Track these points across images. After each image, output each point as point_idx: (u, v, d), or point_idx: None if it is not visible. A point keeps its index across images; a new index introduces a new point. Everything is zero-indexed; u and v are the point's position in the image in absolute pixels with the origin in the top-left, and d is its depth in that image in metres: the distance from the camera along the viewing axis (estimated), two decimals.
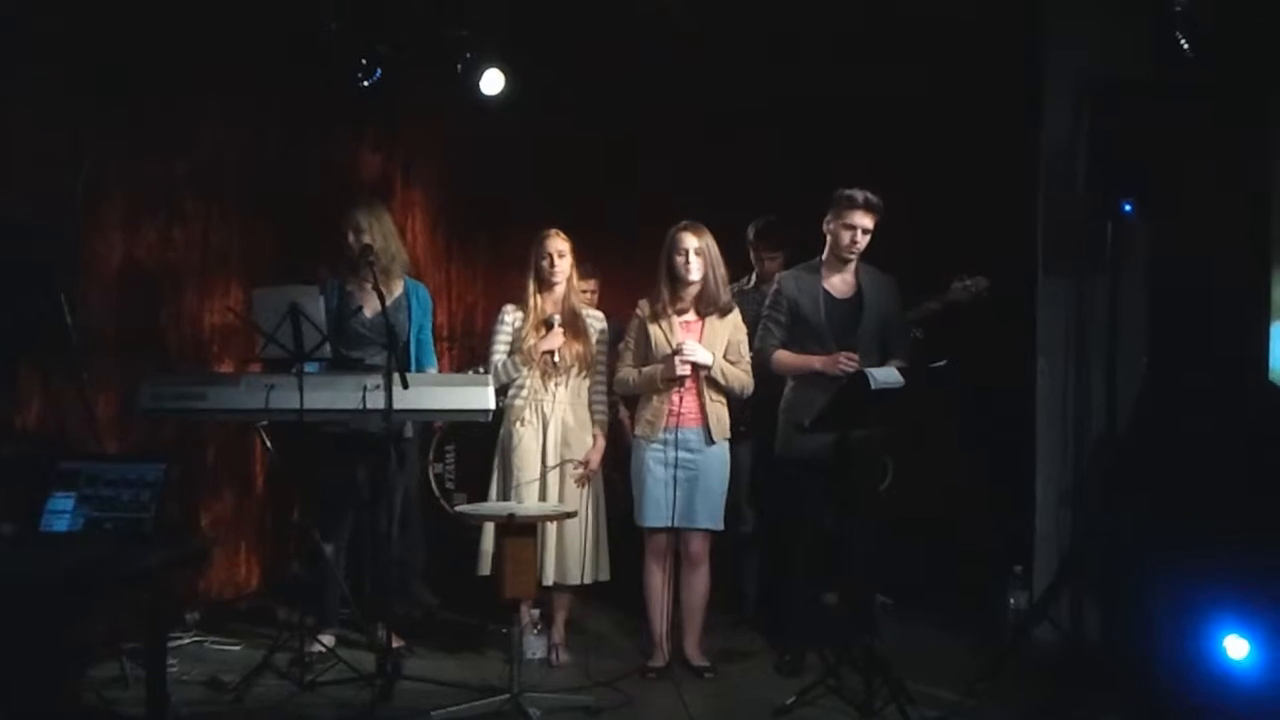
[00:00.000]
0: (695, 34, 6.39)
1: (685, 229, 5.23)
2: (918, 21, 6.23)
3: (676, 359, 5.17)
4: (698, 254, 5.20)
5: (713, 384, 5.27)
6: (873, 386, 4.59)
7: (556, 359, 5.37)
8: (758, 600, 6.16)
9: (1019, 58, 5.84)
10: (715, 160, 7.06)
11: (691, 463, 5.23)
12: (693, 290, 5.26)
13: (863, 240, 5.19)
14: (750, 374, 5.35)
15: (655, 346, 5.28)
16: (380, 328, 5.10)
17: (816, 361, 5.19)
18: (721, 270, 5.29)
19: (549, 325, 5.39)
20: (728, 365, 5.28)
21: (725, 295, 5.33)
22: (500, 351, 5.46)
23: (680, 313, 5.30)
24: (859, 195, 5.15)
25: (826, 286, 5.27)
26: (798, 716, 4.75)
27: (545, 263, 5.42)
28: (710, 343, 5.25)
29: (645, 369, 5.30)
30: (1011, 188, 5.90)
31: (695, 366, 5.20)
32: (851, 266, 5.29)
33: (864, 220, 5.16)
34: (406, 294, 5.48)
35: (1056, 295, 5.70)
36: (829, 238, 5.27)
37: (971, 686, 4.94)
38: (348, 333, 5.32)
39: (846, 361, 5.10)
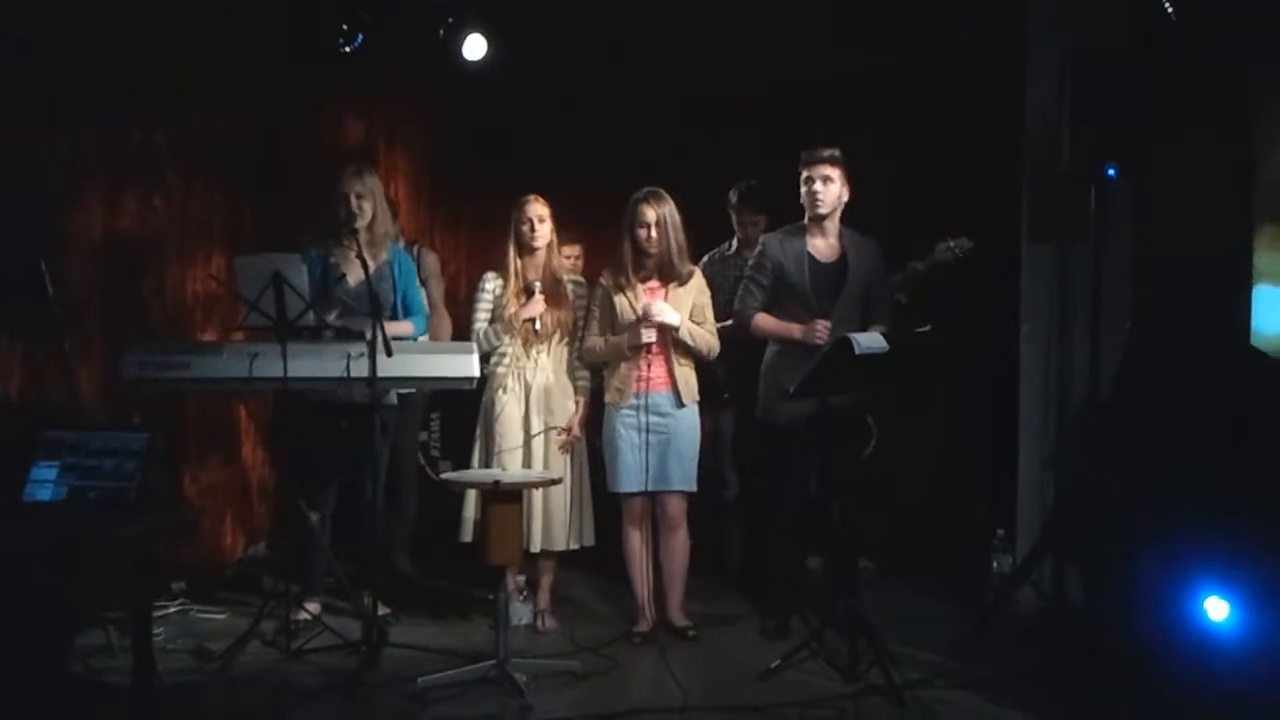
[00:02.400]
0: (683, 3, 6.36)
1: (644, 200, 5.25)
2: None
3: (642, 326, 5.19)
4: (656, 225, 5.24)
5: (680, 348, 5.31)
6: (857, 352, 4.59)
7: (538, 326, 5.37)
8: (742, 565, 6.18)
9: (1004, 22, 5.81)
10: (702, 126, 7.03)
11: (663, 426, 5.26)
12: (654, 259, 5.29)
13: (824, 190, 5.17)
14: (716, 335, 5.38)
15: (621, 314, 5.30)
16: (364, 296, 5.08)
17: (796, 330, 5.20)
18: (680, 237, 5.30)
19: (530, 292, 5.37)
20: (694, 326, 5.31)
21: (684, 263, 5.34)
22: (482, 319, 5.45)
23: (644, 280, 5.32)
24: (806, 153, 5.19)
25: (810, 249, 5.27)
26: (782, 679, 4.77)
27: (525, 228, 5.41)
28: (675, 306, 5.28)
29: (612, 337, 5.33)
30: (998, 153, 5.89)
31: (663, 328, 5.21)
32: (834, 230, 5.28)
33: (819, 170, 5.16)
34: (390, 262, 5.45)
35: (1040, 260, 5.70)
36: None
37: (954, 649, 4.97)
38: (331, 301, 5.31)
39: (823, 329, 5.11)
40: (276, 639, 5.06)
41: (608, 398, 5.36)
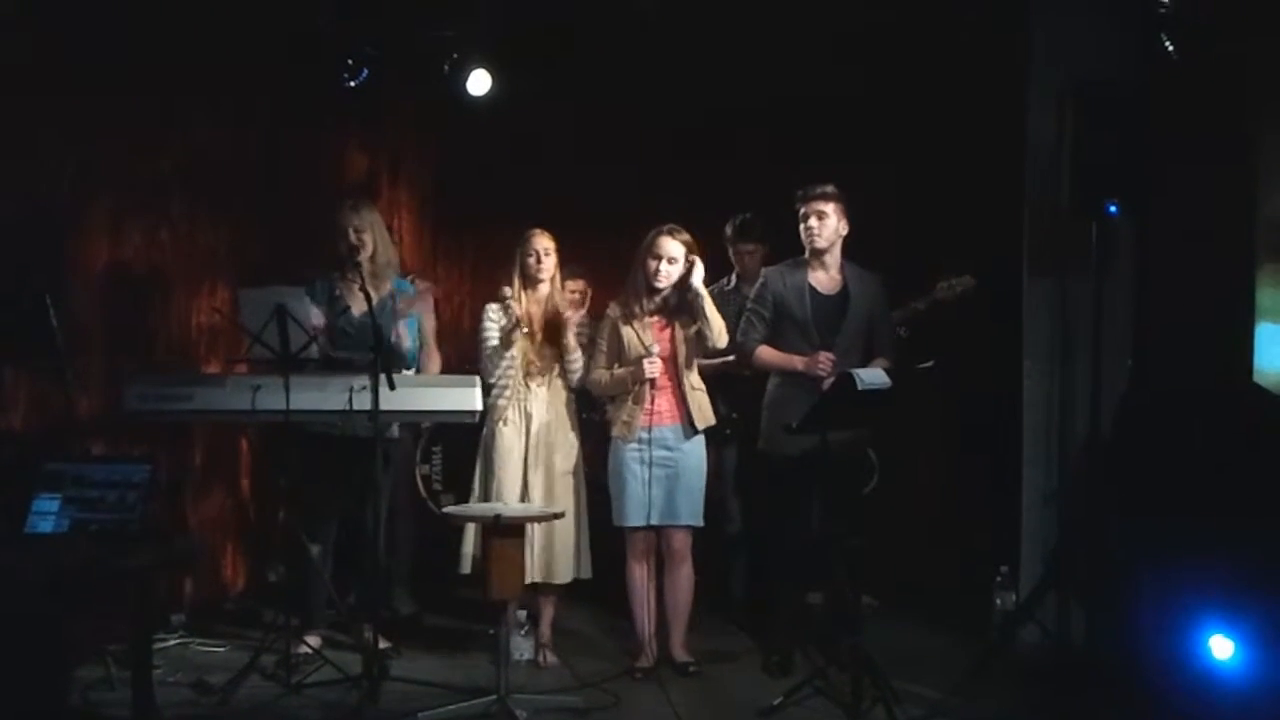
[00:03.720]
0: (686, 34, 6.38)
1: (665, 234, 5.25)
2: (907, 24, 6.24)
3: (645, 362, 5.18)
4: (670, 262, 5.22)
5: (690, 374, 5.30)
6: (859, 387, 4.59)
7: (528, 328, 5.34)
8: (745, 601, 6.16)
9: (1006, 59, 5.84)
10: (705, 161, 7.05)
11: (670, 460, 5.25)
12: (660, 294, 5.30)
13: (819, 226, 5.20)
14: (725, 334, 5.32)
15: (628, 346, 5.29)
16: (367, 328, 5.08)
17: (798, 362, 5.20)
18: None
19: (516, 324, 5.35)
20: (710, 304, 5.26)
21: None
22: (491, 343, 5.42)
23: (652, 313, 5.32)
24: (802, 190, 5.23)
25: (811, 281, 5.28)
26: (785, 717, 4.75)
27: (531, 260, 5.42)
28: (681, 340, 5.28)
29: (617, 371, 5.33)
30: (1001, 189, 5.90)
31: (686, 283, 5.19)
32: (835, 263, 5.29)
33: (814, 207, 5.20)
34: (392, 294, 5.46)
35: (1042, 297, 5.71)
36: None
37: (957, 686, 4.95)
38: (334, 333, 5.31)
39: (825, 361, 5.11)
40: (276, 672, 5.02)
41: (615, 431, 5.34)
